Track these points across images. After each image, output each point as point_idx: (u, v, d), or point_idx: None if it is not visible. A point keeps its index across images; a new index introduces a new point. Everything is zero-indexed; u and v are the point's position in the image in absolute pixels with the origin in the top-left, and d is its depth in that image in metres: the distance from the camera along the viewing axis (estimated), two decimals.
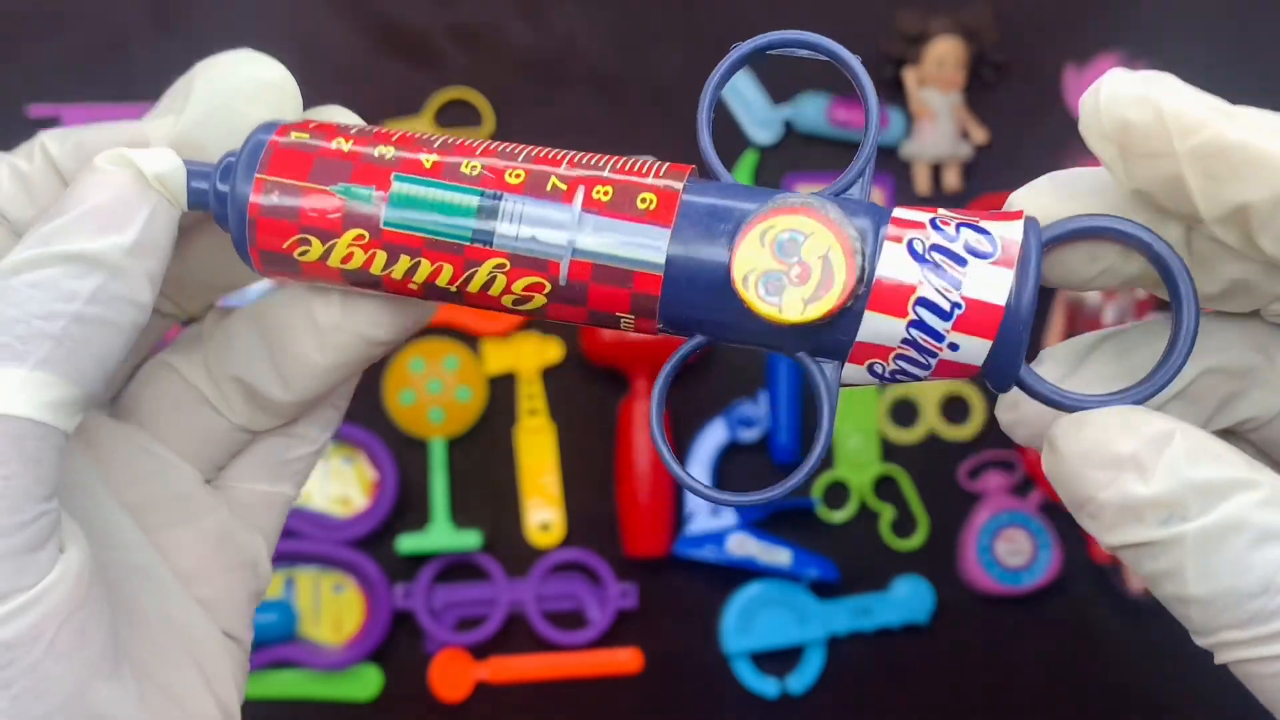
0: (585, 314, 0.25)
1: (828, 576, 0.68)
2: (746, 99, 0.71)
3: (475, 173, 0.25)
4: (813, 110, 0.70)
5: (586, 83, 0.72)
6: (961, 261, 0.23)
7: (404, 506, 0.68)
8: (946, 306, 0.23)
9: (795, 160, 0.71)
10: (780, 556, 0.67)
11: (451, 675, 0.67)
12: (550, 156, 0.25)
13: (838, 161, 0.71)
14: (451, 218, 0.24)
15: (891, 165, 0.71)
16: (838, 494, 0.70)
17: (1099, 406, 0.23)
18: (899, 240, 0.24)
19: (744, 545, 0.67)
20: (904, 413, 0.71)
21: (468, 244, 0.24)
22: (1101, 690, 0.69)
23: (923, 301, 0.23)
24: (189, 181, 0.25)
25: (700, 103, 0.25)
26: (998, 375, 0.24)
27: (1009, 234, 0.23)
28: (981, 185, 0.70)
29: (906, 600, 0.68)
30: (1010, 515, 0.68)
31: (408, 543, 0.67)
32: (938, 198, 0.70)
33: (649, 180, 0.25)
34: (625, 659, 0.68)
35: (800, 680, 0.68)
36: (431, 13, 0.72)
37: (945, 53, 0.70)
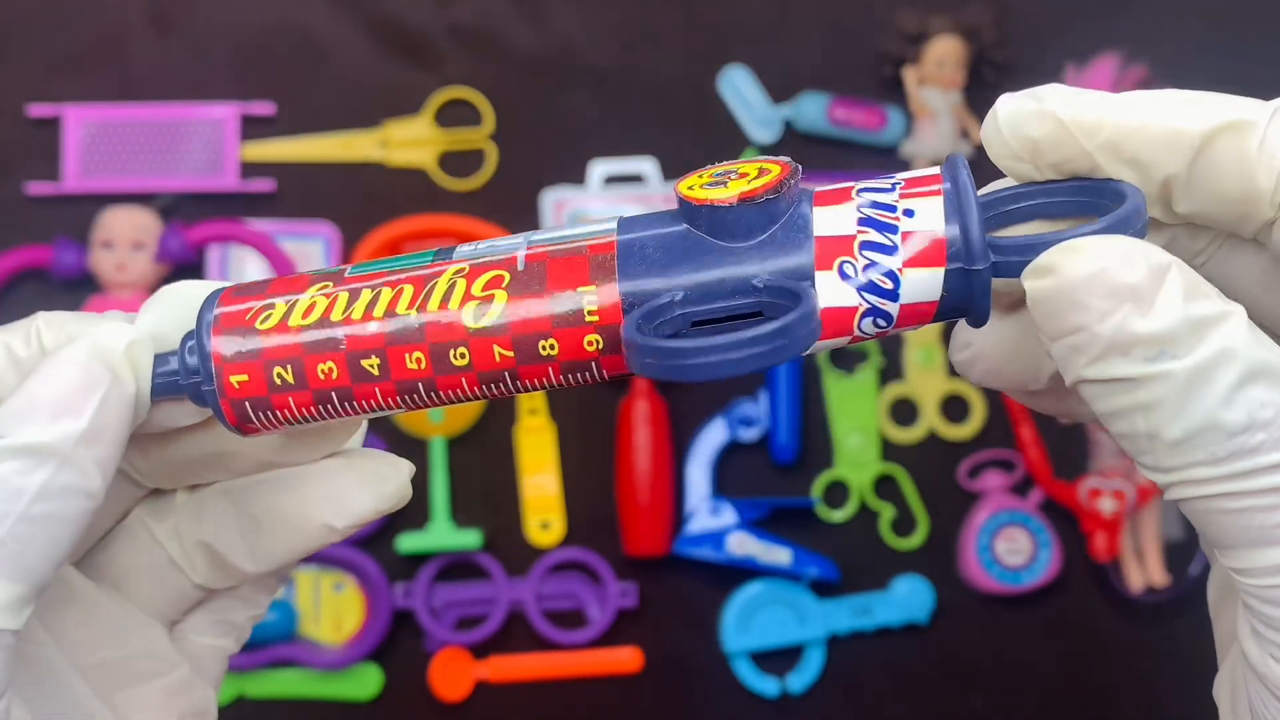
0: (546, 299, 0.24)
1: (828, 576, 0.68)
2: (747, 99, 0.71)
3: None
4: (813, 109, 0.70)
5: (586, 83, 0.72)
6: (891, 179, 0.25)
7: (404, 505, 0.68)
8: (889, 185, 0.25)
9: (795, 159, 0.71)
10: (780, 556, 0.67)
11: (451, 674, 0.67)
12: None
13: (838, 161, 0.71)
14: (412, 259, 0.26)
15: (891, 165, 0.71)
16: (838, 493, 0.70)
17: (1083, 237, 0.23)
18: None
19: (744, 544, 0.67)
20: (904, 412, 0.71)
21: (429, 264, 0.25)
22: (1101, 690, 0.69)
23: (866, 189, 0.25)
24: (158, 368, 0.26)
25: None
26: (967, 240, 0.24)
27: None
28: (981, 184, 0.70)
29: (906, 599, 0.68)
30: (1010, 514, 0.68)
31: (408, 542, 0.67)
32: None
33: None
34: (625, 658, 0.68)
35: (800, 679, 0.68)
36: (431, 13, 0.72)
37: (945, 52, 0.70)
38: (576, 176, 0.71)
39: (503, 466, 0.69)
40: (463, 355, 0.25)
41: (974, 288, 0.24)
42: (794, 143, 0.71)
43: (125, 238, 0.67)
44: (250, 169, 0.70)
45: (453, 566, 0.68)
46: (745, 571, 0.68)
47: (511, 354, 0.25)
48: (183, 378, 0.26)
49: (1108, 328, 0.22)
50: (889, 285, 0.24)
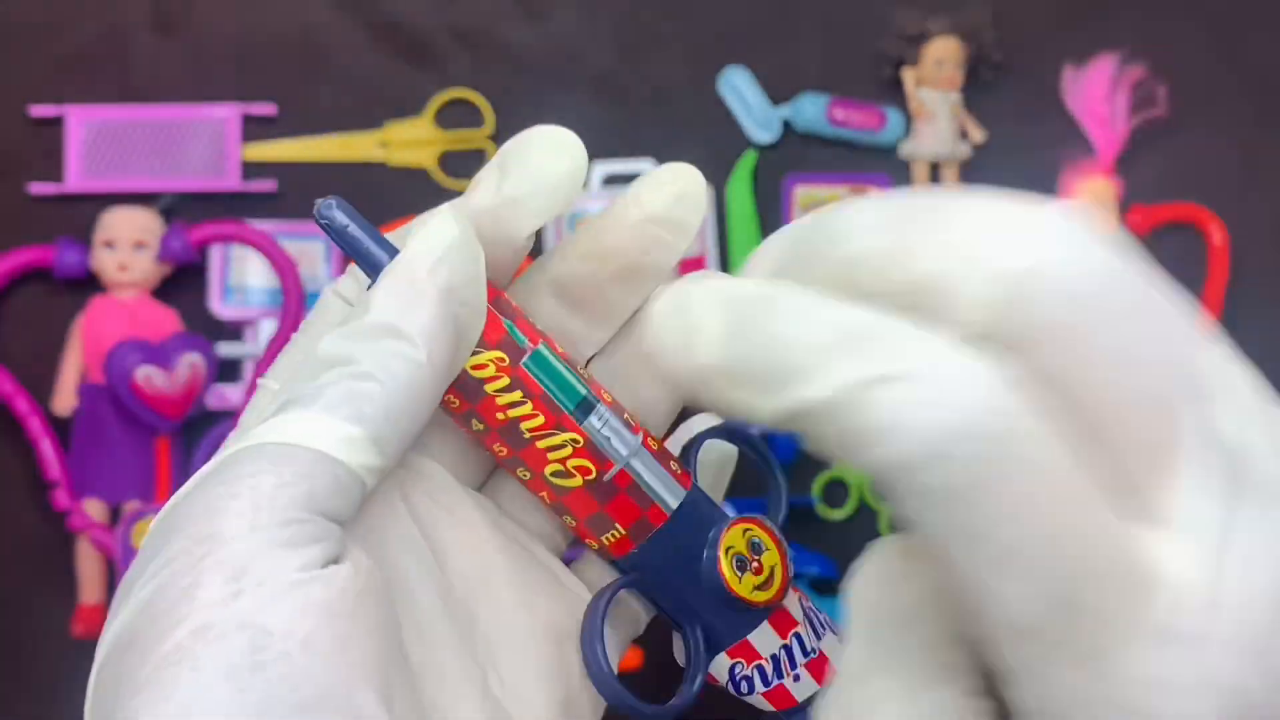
0: (596, 508, 0.32)
1: (827, 574, 0.68)
2: (746, 99, 0.71)
3: (585, 375, 0.33)
4: (812, 110, 0.71)
5: (586, 83, 0.72)
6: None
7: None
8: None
9: (794, 160, 0.71)
10: None
11: None
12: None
13: (836, 161, 0.71)
14: (564, 392, 0.31)
15: (890, 165, 0.71)
16: (837, 492, 0.70)
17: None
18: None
19: None
20: None
21: (567, 413, 0.31)
22: None
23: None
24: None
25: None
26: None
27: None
28: (980, 185, 0.71)
29: None
30: None
31: None
32: None
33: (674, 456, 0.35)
34: (625, 658, 0.68)
35: None
36: (431, 13, 0.72)
37: (944, 53, 0.70)
38: None
39: None
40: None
41: None
42: (793, 143, 0.71)
43: (127, 238, 0.67)
44: (252, 169, 0.70)
45: None
46: None
47: (564, 501, 0.33)
48: None
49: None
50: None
